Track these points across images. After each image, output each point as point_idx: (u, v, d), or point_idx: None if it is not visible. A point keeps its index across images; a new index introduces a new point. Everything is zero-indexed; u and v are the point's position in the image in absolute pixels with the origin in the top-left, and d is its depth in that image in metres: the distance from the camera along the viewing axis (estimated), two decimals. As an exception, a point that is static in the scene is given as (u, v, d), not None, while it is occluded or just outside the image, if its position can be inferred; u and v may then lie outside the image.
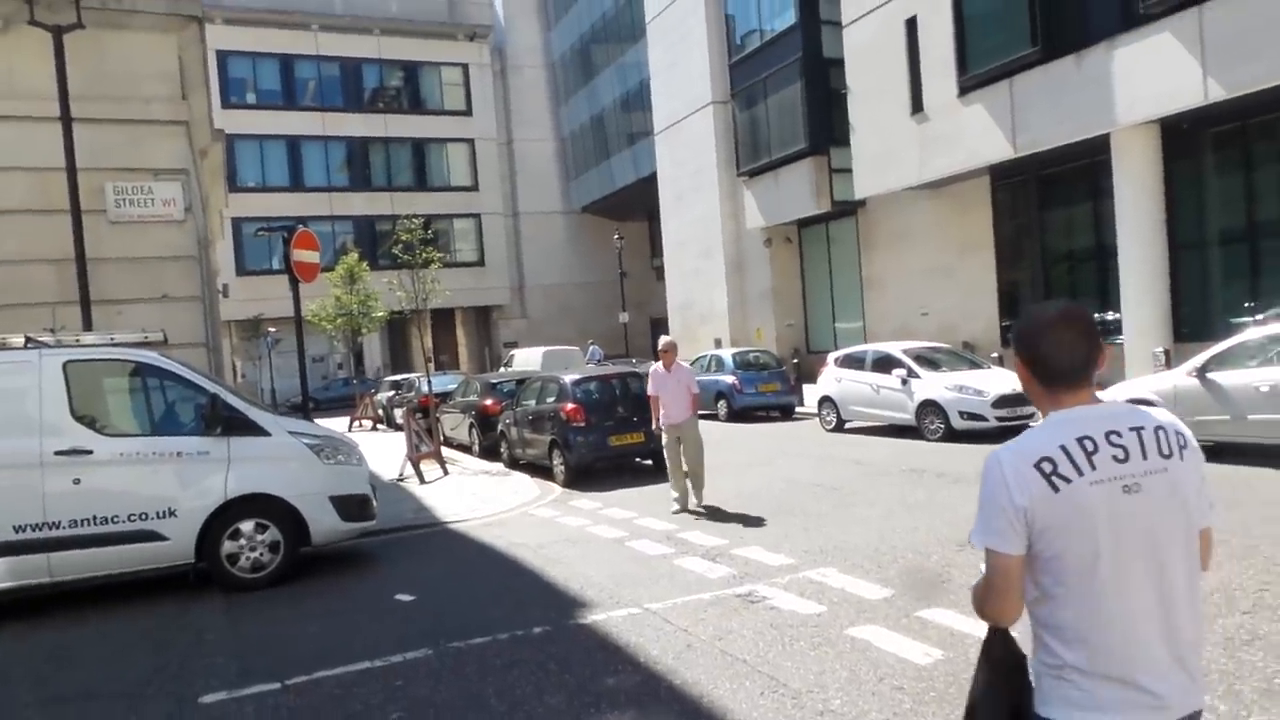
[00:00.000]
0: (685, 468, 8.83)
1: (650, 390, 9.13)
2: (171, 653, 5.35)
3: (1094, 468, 1.79)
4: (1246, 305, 15.24)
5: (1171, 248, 15.68)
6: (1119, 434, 1.83)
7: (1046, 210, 19.21)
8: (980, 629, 2.73)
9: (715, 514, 8.46)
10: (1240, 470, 8.60)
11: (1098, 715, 1.79)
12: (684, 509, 8.63)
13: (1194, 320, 15.68)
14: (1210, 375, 9.29)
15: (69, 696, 4.74)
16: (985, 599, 1.88)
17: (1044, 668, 1.85)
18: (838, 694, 4.08)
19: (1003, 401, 12.31)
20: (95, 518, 6.38)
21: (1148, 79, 14.51)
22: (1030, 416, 12.54)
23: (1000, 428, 12.24)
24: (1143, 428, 1.85)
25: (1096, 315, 18.15)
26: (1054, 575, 1.80)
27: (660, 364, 9.03)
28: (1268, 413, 8.70)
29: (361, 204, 41.49)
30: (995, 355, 15.37)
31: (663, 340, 9.25)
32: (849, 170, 22.09)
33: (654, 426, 9.28)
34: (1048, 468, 1.79)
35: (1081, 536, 1.78)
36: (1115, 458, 1.80)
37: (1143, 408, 1.92)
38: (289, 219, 37.89)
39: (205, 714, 4.35)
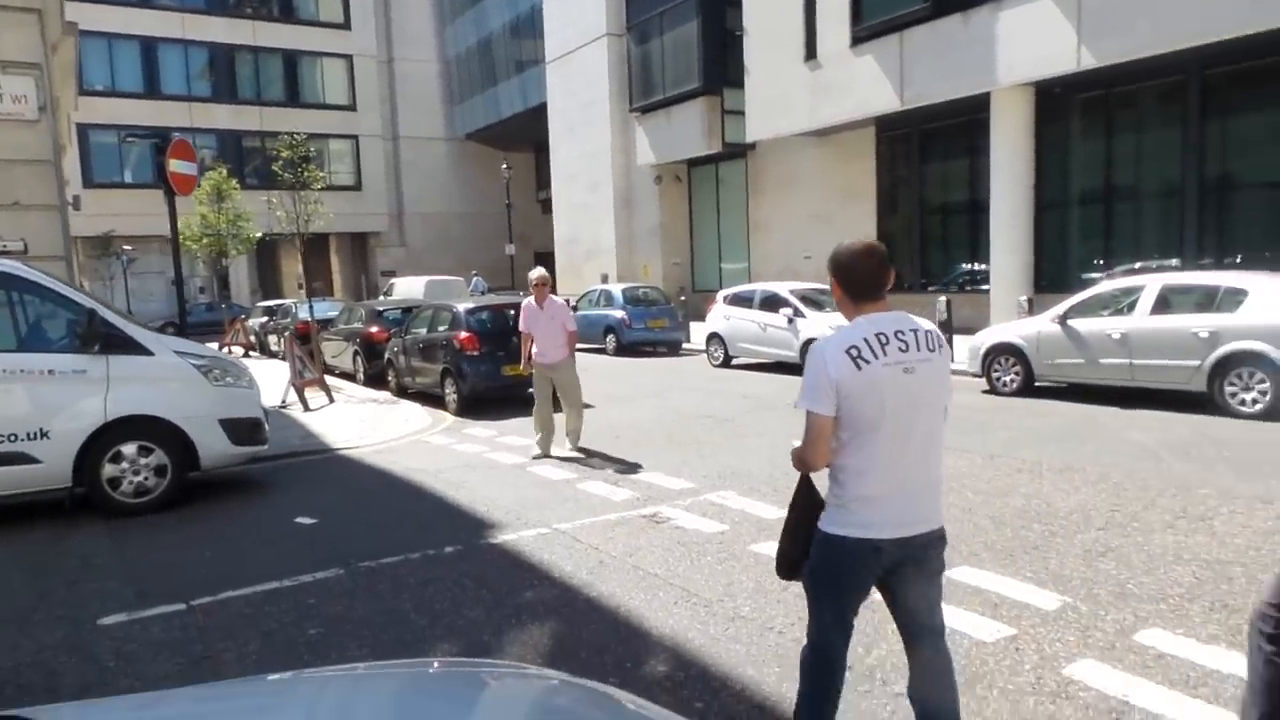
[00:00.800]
0: (561, 411, 8.27)
1: (521, 326, 8.35)
2: (55, 577, 5.09)
3: (885, 355, 2.46)
4: (1097, 262, 16.49)
5: (1037, 206, 16.72)
6: (902, 333, 2.51)
7: (926, 164, 20.04)
8: None
9: (612, 443, 8.62)
10: (1091, 408, 9.42)
11: (864, 530, 2.53)
12: (545, 454, 8.04)
13: (1053, 273, 16.85)
14: (1070, 322, 10.07)
15: (-55, 621, 4.46)
16: (804, 453, 2.55)
17: (833, 499, 2.60)
18: (746, 602, 4.33)
19: (881, 342, 12.93)
20: (-42, 437, 5.92)
21: (1027, 42, 15.23)
22: (905, 357, 13.28)
23: (877, 367, 12.89)
24: (917, 330, 2.54)
25: (966, 266, 19.26)
26: (850, 430, 2.51)
27: (532, 298, 8.23)
28: (1117, 357, 9.54)
29: (226, 117, 38.78)
30: (874, 299, 16.03)
31: (534, 273, 8.32)
32: (741, 113, 22.30)
33: (523, 366, 8.50)
34: (854, 353, 2.45)
35: (872, 402, 2.46)
36: (900, 349, 2.48)
37: (914, 316, 2.59)
38: (144, 128, 35.02)
39: (107, 635, 4.19)
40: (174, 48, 38.40)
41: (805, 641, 2.77)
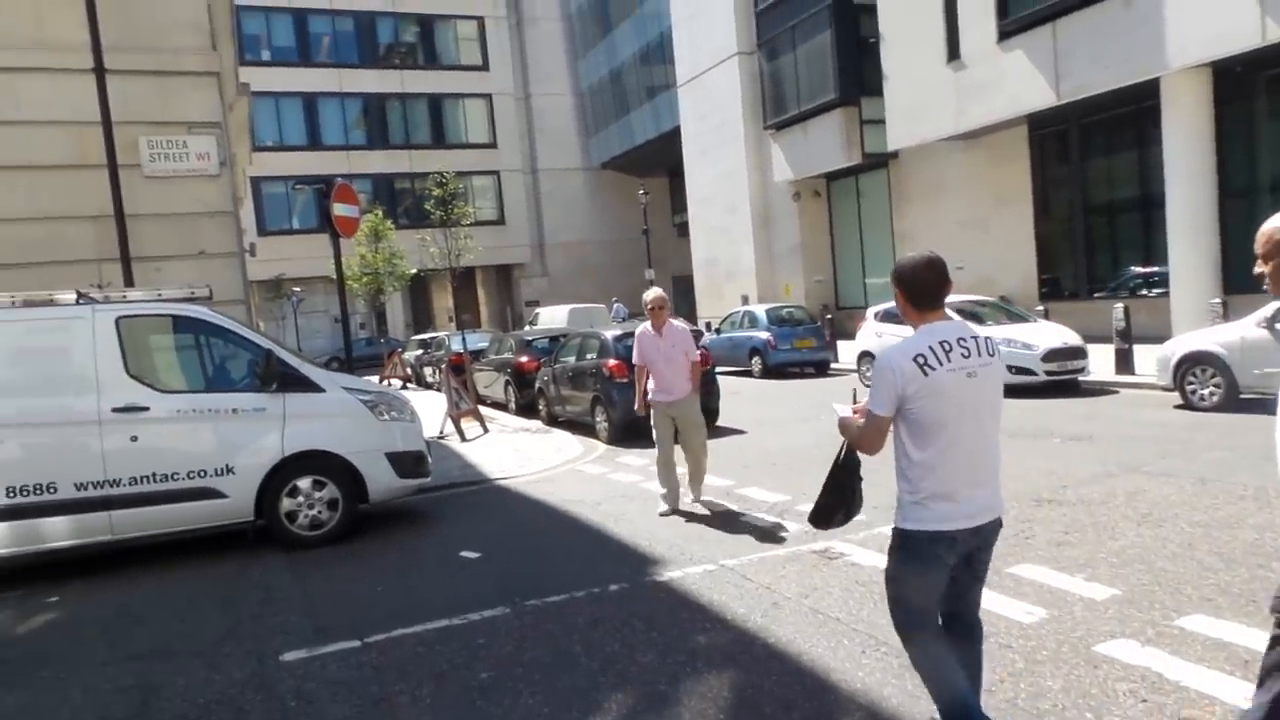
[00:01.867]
0: (682, 457, 7.08)
1: (636, 358, 7.08)
2: (241, 610, 5.27)
3: (949, 361, 2.77)
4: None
5: (1221, 197, 15.23)
6: (964, 340, 2.83)
7: (1087, 160, 18.71)
8: (1078, 586, 4.51)
9: (769, 470, 8.30)
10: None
11: (936, 523, 2.84)
12: (674, 510, 6.83)
13: (1244, 271, 15.23)
14: (1280, 326, 8.99)
15: (145, 654, 4.65)
16: (865, 441, 2.94)
17: (908, 497, 2.90)
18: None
19: (1053, 355, 12.03)
20: (154, 475, 6.28)
21: (1201, 20, 13.97)
22: (1080, 370, 12.29)
23: (1049, 382, 12.00)
24: (976, 337, 2.88)
25: (1139, 269, 17.77)
26: (921, 430, 2.81)
27: (648, 324, 6.99)
28: (1343, 364, 8.42)
29: (380, 162, 41.10)
30: (1040, 309, 15.02)
31: (650, 294, 7.00)
32: (881, 121, 21.58)
33: (637, 406, 7.28)
34: (920, 360, 2.75)
35: (939, 404, 2.77)
36: (962, 355, 2.80)
37: (971, 324, 3.05)
38: (309, 177, 37.64)
39: (289, 672, 4.25)
40: (332, 101, 41.11)
41: (902, 640, 3.12)
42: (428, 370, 22.05)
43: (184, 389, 6.74)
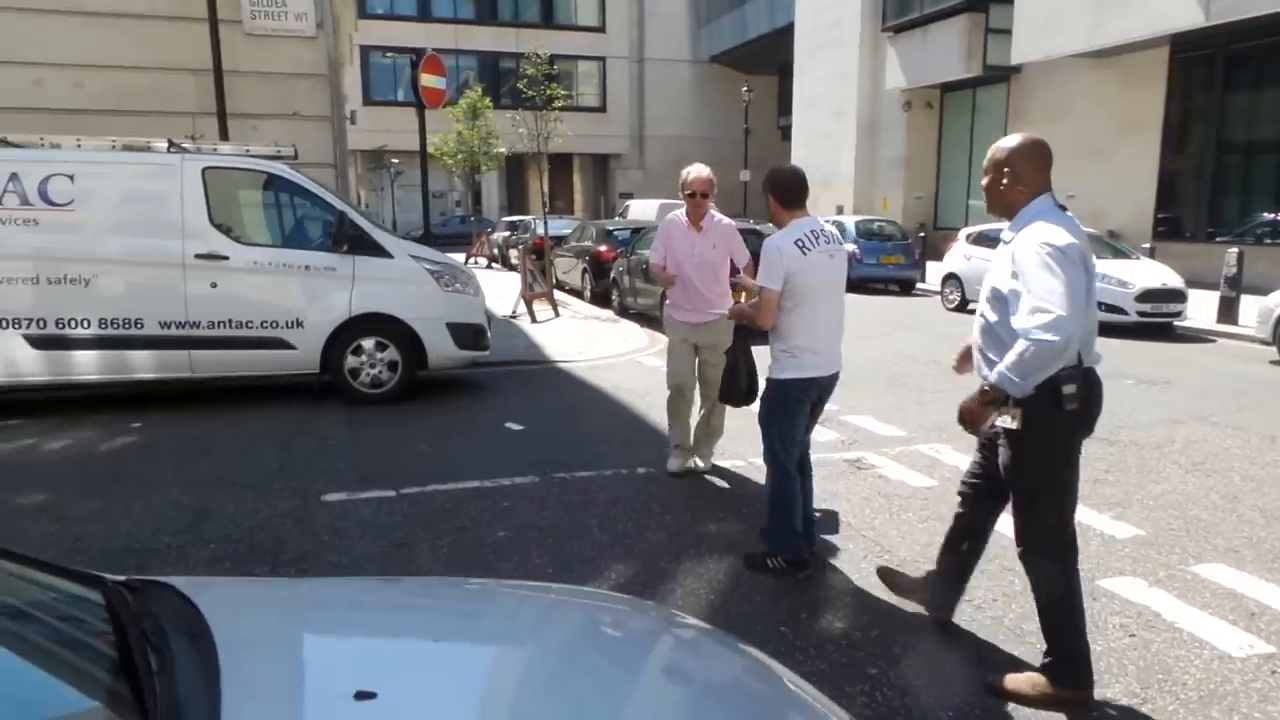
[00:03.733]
0: (699, 403, 5.29)
1: (655, 257, 5.18)
2: (296, 453, 5.67)
3: (817, 245, 3.70)
4: None
5: (1374, 143, 13.88)
6: (822, 230, 3.77)
7: (1231, 92, 17.21)
8: (1103, 523, 4.58)
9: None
10: None
11: (805, 371, 3.75)
12: (683, 469, 5.26)
13: (1384, 226, 14.04)
14: (1401, 286, 8.31)
15: (205, 481, 5.08)
16: (762, 315, 3.71)
17: (781, 352, 3.77)
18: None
19: (1148, 296, 11.46)
20: (230, 321, 6.70)
21: (1388, -62, 12.45)
22: (1176, 314, 11.68)
23: (1140, 323, 11.46)
24: (826, 229, 3.80)
25: (1270, 215, 16.47)
26: (795, 298, 3.67)
27: (681, 213, 5.08)
28: None
29: (487, 39, 40.72)
30: (1146, 246, 14.20)
31: (691, 171, 4.93)
32: (1007, 31, 20.18)
33: (663, 312, 5.74)
34: (800, 244, 3.66)
35: (812, 277, 3.67)
36: (824, 241, 3.73)
37: (820, 219, 3.92)
38: (416, 49, 37.64)
39: (327, 510, 4.60)
40: (445, -28, 40.59)
41: (769, 469, 3.91)
42: (513, 252, 22.40)
43: (262, 242, 7.07)
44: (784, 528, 3.88)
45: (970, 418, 2.77)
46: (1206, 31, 15.88)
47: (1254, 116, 16.94)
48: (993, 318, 2.82)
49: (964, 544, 3.37)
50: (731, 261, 5.07)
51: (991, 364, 2.78)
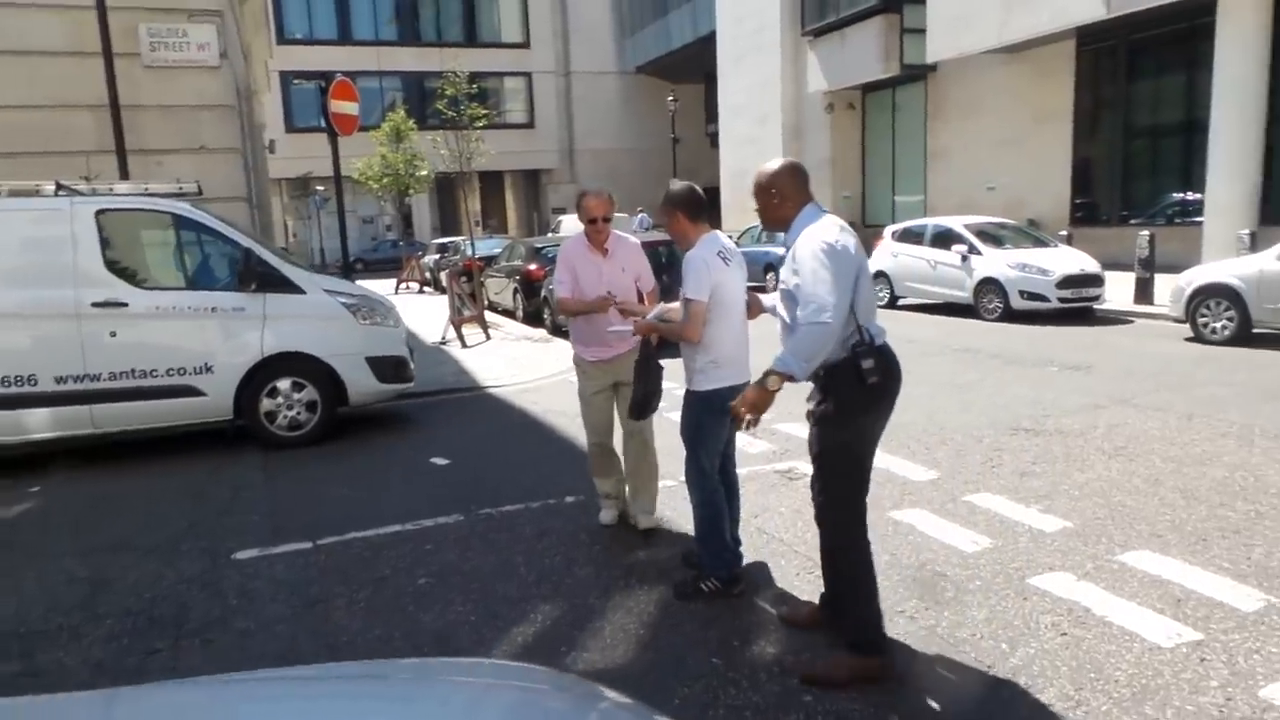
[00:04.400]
0: (624, 453, 4.66)
1: (561, 290, 4.45)
2: (208, 507, 5.39)
3: (731, 257, 3.71)
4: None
5: (1270, 121, 14.43)
6: (728, 247, 3.73)
7: (1135, 80, 17.80)
8: (1031, 517, 4.61)
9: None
10: (1324, 363, 8.06)
11: (729, 380, 3.68)
12: (615, 519, 4.75)
13: (1284, 202, 14.60)
14: (1302, 260, 8.60)
15: (106, 547, 4.78)
16: (692, 328, 3.61)
17: (708, 363, 3.69)
18: (880, 579, 3.89)
19: (1068, 282, 11.71)
20: (134, 370, 6.37)
21: (1268, -74, 12.97)
22: (1095, 299, 11.95)
23: (1061, 309, 11.71)
24: (730, 245, 3.79)
25: (1177, 195, 17.04)
26: (719, 309, 3.64)
27: (580, 235, 4.45)
28: (1363, 303, 8.07)
29: (410, 59, 40.23)
30: (1064, 233, 14.54)
31: (589, 195, 4.37)
32: (922, 31, 20.58)
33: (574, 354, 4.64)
34: (720, 255, 3.66)
35: (730, 289, 3.67)
36: (735, 253, 3.75)
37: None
38: (337, 73, 36.98)
39: (238, 570, 4.36)
40: (364, -6, 40.04)
41: (696, 484, 3.81)
42: (443, 274, 22.04)
43: (164, 285, 6.74)
44: (716, 543, 3.82)
45: (760, 407, 3.06)
46: (1108, 23, 16.39)
47: (1158, 102, 17.53)
48: (787, 317, 3.07)
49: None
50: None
51: None
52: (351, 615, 3.80)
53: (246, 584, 4.18)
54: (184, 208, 6.78)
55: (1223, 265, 9.76)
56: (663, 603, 3.79)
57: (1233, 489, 4.81)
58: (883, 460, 5.62)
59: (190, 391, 6.52)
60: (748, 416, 3.08)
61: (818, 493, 3.19)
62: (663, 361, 3.99)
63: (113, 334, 6.31)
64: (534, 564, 4.26)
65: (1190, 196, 16.49)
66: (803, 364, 2.89)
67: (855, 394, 2.98)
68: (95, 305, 6.27)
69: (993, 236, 13.13)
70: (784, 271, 3.09)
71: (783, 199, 3.13)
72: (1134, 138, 18.07)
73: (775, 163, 3.21)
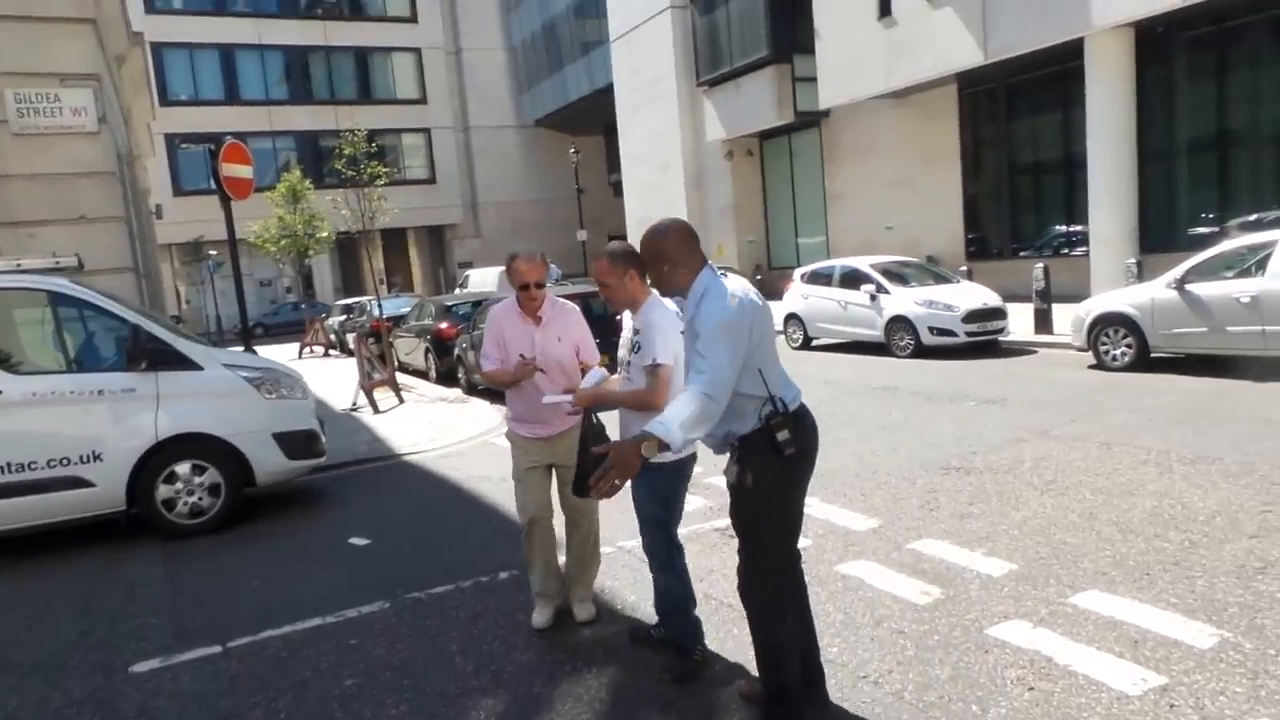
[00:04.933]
0: (565, 534, 4.19)
1: (487, 363, 4.12)
2: (100, 612, 4.87)
3: (682, 320, 3.19)
4: (1205, 216, 15.11)
5: (1140, 158, 15.38)
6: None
7: (1014, 120, 18.78)
8: (977, 561, 4.52)
9: (686, 440, 8.09)
10: (1221, 383, 8.45)
11: (693, 446, 3.22)
12: (550, 621, 4.16)
13: (1159, 232, 15.52)
14: (1189, 287, 9.06)
15: (-20, 667, 4.24)
16: (659, 397, 3.31)
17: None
18: (834, 640, 3.75)
19: (973, 316, 12.06)
20: (10, 465, 5.78)
21: (1125, -22, 13.93)
22: (999, 331, 12.35)
23: (969, 343, 12.03)
24: None
25: (1061, 228, 17.94)
26: (677, 373, 3.36)
27: (510, 301, 4.07)
28: (1247, 324, 8.52)
29: (303, 118, 39.48)
30: (963, 268, 15.06)
31: (520, 260, 3.89)
32: (813, 79, 21.33)
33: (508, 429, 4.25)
34: (680, 319, 3.26)
35: (685, 352, 3.17)
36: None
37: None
38: (227, 135, 35.87)
39: (136, 686, 3.90)
40: (251, 54, 39.27)
41: (667, 561, 3.60)
42: (350, 337, 21.36)
43: (42, 369, 6.18)
44: (690, 612, 3.67)
45: (630, 471, 2.75)
46: (987, 68, 17.29)
47: (1038, 140, 18.52)
48: (683, 379, 3.00)
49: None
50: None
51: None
52: (270, 731, 3.42)
53: (147, 702, 3.73)
54: (61, 283, 6.26)
55: (1118, 294, 10.21)
56: (614, 686, 3.55)
57: (1163, 518, 4.88)
58: (821, 510, 5.53)
59: (77, 483, 5.94)
60: (615, 480, 2.76)
61: (743, 560, 3.02)
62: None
63: (-16, 425, 5.72)
64: (470, 652, 3.95)
65: (1074, 228, 17.39)
66: (682, 435, 2.67)
67: (771, 466, 2.85)
68: (-38, 395, 5.68)
69: (897, 275, 13.47)
70: (686, 340, 3.02)
71: (673, 266, 2.94)
72: (1018, 174, 19.01)
73: (660, 227, 3.01)
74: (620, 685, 3.54)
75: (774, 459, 2.83)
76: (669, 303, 3.47)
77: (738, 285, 2.91)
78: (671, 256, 2.94)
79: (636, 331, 3.48)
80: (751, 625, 3.06)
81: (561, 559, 4.30)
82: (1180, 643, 3.47)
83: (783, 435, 2.82)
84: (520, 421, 4.11)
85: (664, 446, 2.68)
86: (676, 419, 2.67)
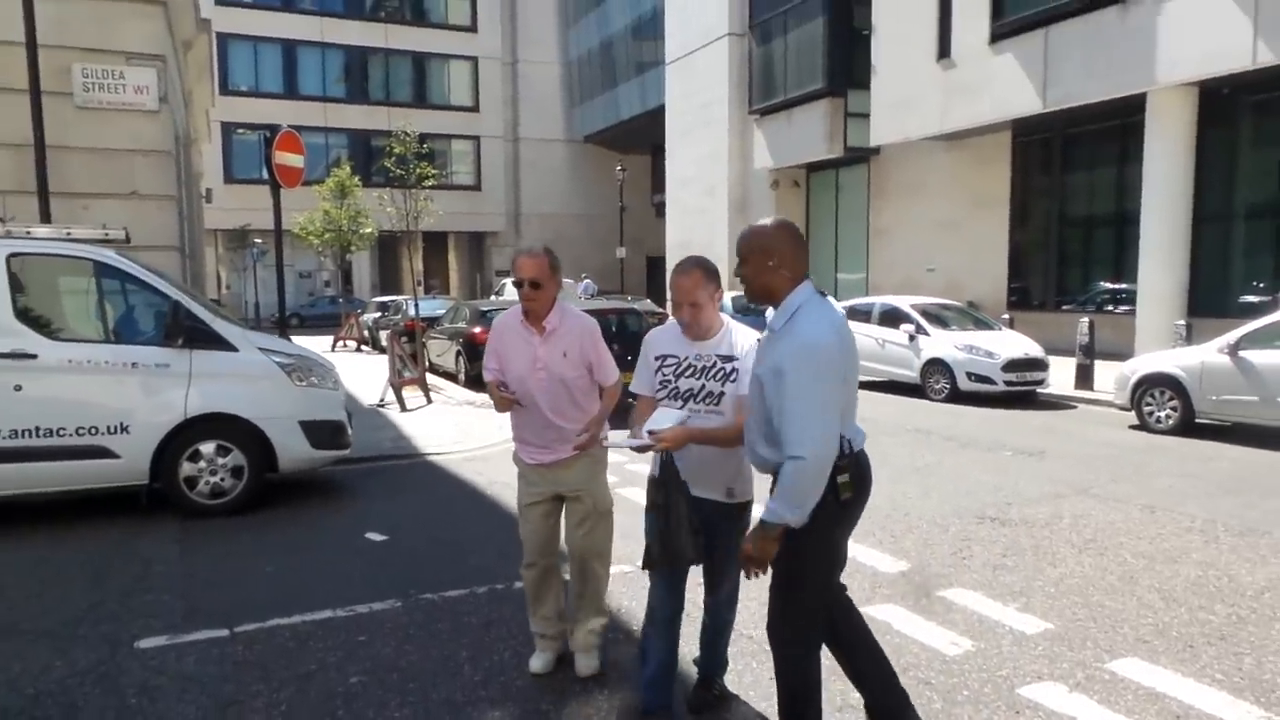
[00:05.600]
0: (569, 573, 3.76)
1: (488, 373, 3.65)
2: (112, 585, 4.83)
3: None
4: (1257, 284, 14.74)
5: (1195, 220, 15.07)
6: None
7: (1068, 172, 18.50)
8: (1010, 616, 4.19)
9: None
10: (1269, 455, 8.17)
11: None
12: (550, 667, 3.73)
13: (1209, 295, 15.16)
14: (1242, 353, 8.79)
15: (-12, 630, 4.21)
16: (738, 431, 2.93)
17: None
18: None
19: (1013, 365, 11.83)
20: (39, 429, 5.80)
21: (1194, 37, 13.72)
22: (1039, 382, 12.09)
23: (1008, 392, 11.79)
24: None
25: (1108, 285, 17.61)
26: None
27: (516, 308, 3.61)
28: (1303, 397, 8.23)
29: (357, 117, 40.09)
30: (1005, 316, 14.81)
31: (523, 258, 3.46)
32: (866, 115, 21.20)
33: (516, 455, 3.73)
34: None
35: None
36: None
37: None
38: (283, 126, 36.46)
39: (140, 661, 3.84)
40: (312, 50, 40.00)
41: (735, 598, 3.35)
42: (384, 334, 21.48)
43: (81, 337, 6.21)
44: (726, 645, 3.45)
45: (762, 558, 2.63)
46: (1044, 117, 17.08)
47: (1091, 193, 18.23)
48: (758, 405, 2.72)
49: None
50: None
51: (755, 446, 2.76)
52: (270, 719, 3.33)
53: (150, 679, 3.67)
54: (108, 255, 6.29)
55: (1165, 355, 9.94)
56: (625, 711, 3.42)
57: (1209, 590, 4.67)
58: (850, 548, 5.36)
59: (103, 453, 5.95)
60: (757, 572, 2.69)
61: (776, 604, 2.83)
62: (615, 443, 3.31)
63: (17, 388, 5.74)
64: (480, 661, 3.85)
65: (1121, 285, 17.05)
66: (797, 511, 2.52)
67: (825, 509, 2.62)
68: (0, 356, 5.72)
69: (937, 317, 13.27)
70: (755, 359, 2.79)
71: (779, 264, 2.68)
72: (1067, 226, 18.71)
73: (772, 221, 2.79)
74: (631, 710, 3.41)
75: (829, 502, 2.62)
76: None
77: (839, 312, 2.70)
78: (780, 252, 2.69)
79: (728, 359, 3.07)
80: (777, 664, 2.89)
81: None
82: (1227, 722, 3.28)
83: (843, 479, 2.64)
84: (522, 443, 3.65)
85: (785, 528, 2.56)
86: (781, 498, 2.53)
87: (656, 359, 3.18)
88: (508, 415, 3.62)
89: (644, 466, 3.56)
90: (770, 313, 2.77)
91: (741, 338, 3.11)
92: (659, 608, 3.22)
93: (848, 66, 22.31)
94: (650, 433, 2.93)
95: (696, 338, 3.11)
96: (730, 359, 3.07)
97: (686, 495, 2.97)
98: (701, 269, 3.07)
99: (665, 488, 2.97)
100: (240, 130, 33.92)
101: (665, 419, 2.99)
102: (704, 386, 3.09)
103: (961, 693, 3.54)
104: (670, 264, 31.71)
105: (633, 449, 3.07)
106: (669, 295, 3.17)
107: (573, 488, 3.57)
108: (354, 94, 40.92)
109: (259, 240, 33.02)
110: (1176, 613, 4.36)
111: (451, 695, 3.53)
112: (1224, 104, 14.92)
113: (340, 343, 23.14)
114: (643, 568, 3.14)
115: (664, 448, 2.92)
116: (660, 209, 35.27)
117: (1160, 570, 4.98)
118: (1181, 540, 5.54)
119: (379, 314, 23.86)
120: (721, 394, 3.07)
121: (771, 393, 2.59)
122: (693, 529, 2.96)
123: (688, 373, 3.12)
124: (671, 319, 3.21)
